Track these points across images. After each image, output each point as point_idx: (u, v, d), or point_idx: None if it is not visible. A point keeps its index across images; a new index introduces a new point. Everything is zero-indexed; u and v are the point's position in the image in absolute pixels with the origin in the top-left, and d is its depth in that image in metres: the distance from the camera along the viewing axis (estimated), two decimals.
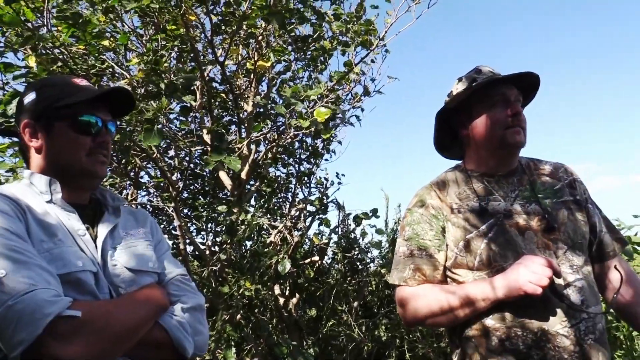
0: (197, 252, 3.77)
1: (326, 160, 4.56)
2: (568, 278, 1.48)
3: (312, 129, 2.95)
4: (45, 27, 2.56)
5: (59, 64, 2.59)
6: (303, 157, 4.51)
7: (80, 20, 2.61)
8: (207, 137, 3.54)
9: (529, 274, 1.37)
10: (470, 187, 1.66)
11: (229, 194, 3.73)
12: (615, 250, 1.68)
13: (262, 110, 3.59)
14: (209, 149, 3.44)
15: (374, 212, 3.99)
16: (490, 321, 1.48)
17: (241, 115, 3.67)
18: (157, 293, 1.28)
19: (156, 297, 1.26)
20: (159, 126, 2.50)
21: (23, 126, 1.28)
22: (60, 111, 1.27)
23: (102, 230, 1.29)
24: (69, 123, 1.27)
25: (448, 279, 1.61)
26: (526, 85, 1.69)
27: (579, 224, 1.58)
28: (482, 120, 1.65)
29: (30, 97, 1.29)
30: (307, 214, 4.13)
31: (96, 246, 1.25)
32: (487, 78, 1.65)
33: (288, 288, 3.93)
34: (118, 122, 2.77)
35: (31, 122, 1.28)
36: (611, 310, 1.51)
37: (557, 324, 1.42)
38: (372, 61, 3.77)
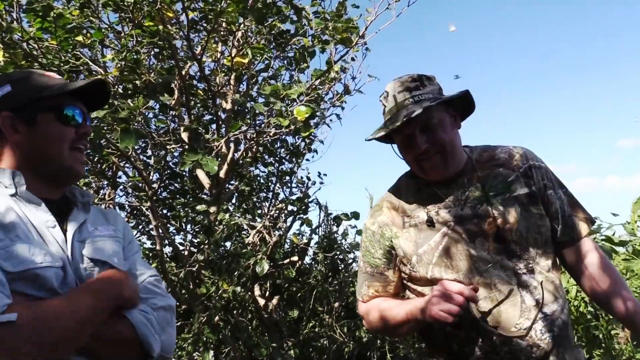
0: (174, 253, 3.71)
1: (307, 160, 4.52)
2: (522, 278, 1.46)
3: (292, 127, 2.92)
4: (15, 21, 2.49)
5: (29, 59, 2.52)
6: (284, 156, 4.47)
7: (53, 15, 2.55)
8: (185, 136, 3.49)
9: (440, 303, 1.36)
10: (418, 197, 1.62)
11: (208, 193, 3.68)
12: (581, 231, 1.62)
13: (240, 108, 3.54)
14: (186, 147, 3.38)
15: (355, 214, 3.96)
16: (448, 327, 1.47)
17: (220, 113, 3.61)
18: (118, 278, 1.22)
19: (115, 282, 1.20)
20: (135, 125, 2.44)
21: (1, 119, 1.23)
22: (43, 102, 1.24)
23: (72, 225, 1.25)
24: (54, 114, 1.25)
25: (408, 291, 1.64)
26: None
27: (533, 219, 1.54)
28: (401, 153, 1.63)
29: (4, 90, 1.25)
30: (288, 213, 4.09)
31: (66, 239, 1.21)
32: (382, 128, 1.59)
33: (268, 289, 3.88)
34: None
35: (10, 115, 1.23)
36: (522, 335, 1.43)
37: (511, 327, 1.42)
38: (352, 59, 3.74)
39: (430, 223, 1.56)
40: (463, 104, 1.63)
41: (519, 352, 1.41)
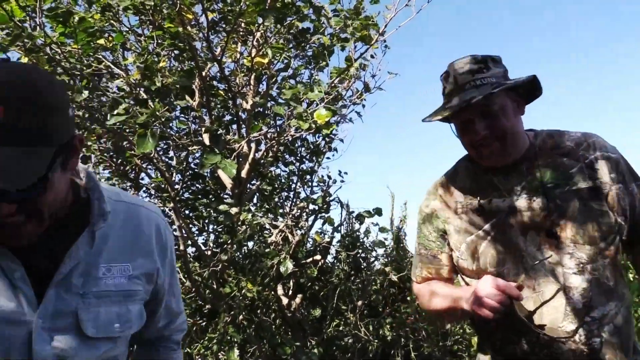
0: (197, 253, 3.74)
1: (328, 158, 4.52)
2: (570, 279, 1.38)
3: (312, 129, 2.92)
4: (38, 27, 2.52)
5: (53, 63, 2.55)
6: (304, 155, 4.47)
7: (76, 19, 2.58)
8: (206, 137, 3.50)
9: (483, 298, 1.34)
10: (474, 183, 1.57)
11: (230, 194, 3.69)
12: None
13: (261, 109, 3.54)
14: (206, 149, 3.40)
15: (377, 211, 3.93)
16: (492, 323, 1.43)
17: (240, 113, 3.62)
18: None
19: None
20: (154, 129, 2.46)
21: None
22: None
23: (67, 262, 1.01)
24: None
25: (460, 277, 1.63)
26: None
27: (593, 216, 1.41)
28: (459, 136, 1.57)
29: None
30: (309, 212, 4.09)
31: (35, 283, 0.98)
32: (442, 109, 1.52)
33: (291, 288, 3.88)
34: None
35: None
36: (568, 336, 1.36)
37: (555, 331, 1.37)
38: (372, 57, 3.71)
39: (482, 211, 1.51)
40: (528, 89, 1.54)
41: (559, 356, 1.36)
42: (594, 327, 1.36)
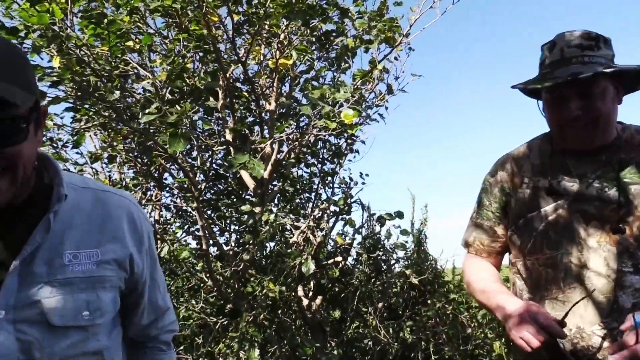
0: (219, 252, 3.77)
1: (350, 160, 4.52)
2: (626, 279, 1.35)
3: (338, 129, 2.94)
4: (69, 28, 2.58)
5: (83, 64, 2.60)
6: (326, 156, 4.48)
7: (106, 21, 2.63)
8: (229, 137, 3.54)
9: (522, 329, 1.28)
10: (546, 162, 1.52)
11: (252, 194, 3.72)
12: None
13: (285, 110, 3.57)
14: (232, 149, 3.43)
15: (399, 214, 3.93)
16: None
17: (263, 115, 3.65)
18: None
19: None
20: (183, 129, 2.50)
21: None
22: None
23: (27, 248, 0.99)
24: None
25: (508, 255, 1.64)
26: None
27: None
28: (546, 112, 1.51)
29: None
30: (331, 214, 4.10)
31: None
32: (542, 78, 1.44)
33: (311, 289, 3.90)
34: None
35: None
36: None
37: (594, 326, 1.36)
38: (396, 59, 3.71)
39: (549, 191, 1.47)
40: (633, 79, 1.47)
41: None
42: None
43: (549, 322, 1.27)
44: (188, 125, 2.60)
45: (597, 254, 1.37)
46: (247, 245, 3.47)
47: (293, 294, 3.70)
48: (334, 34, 3.55)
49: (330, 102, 2.93)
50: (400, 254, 4.59)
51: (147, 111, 2.42)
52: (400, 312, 4.36)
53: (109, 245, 1.08)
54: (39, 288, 0.99)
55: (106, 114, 3.22)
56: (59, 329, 1.00)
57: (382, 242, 4.38)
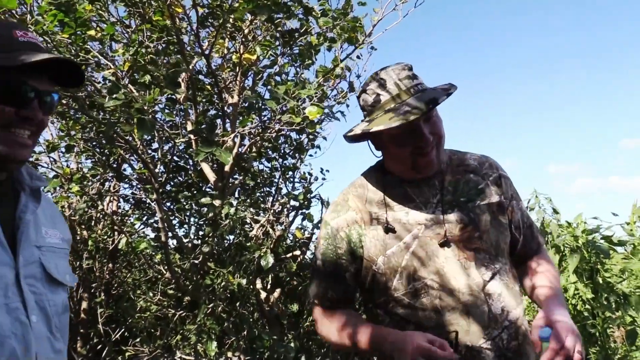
0: (178, 245, 3.77)
1: (310, 155, 4.57)
2: (490, 288, 1.44)
3: (301, 125, 2.98)
4: (29, 14, 2.53)
5: None
6: (287, 151, 4.52)
7: (71, 6, 2.59)
8: (190, 128, 3.53)
9: (416, 354, 1.27)
10: (388, 194, 1.53)
11: (212, 187, 3.73)
12: (541, 243, 1.65)
13: (249, 104, 3.58)
14: (193, 141, 3.43)
15: None
16: None
17: (226, 108, 3.66)
18: None
19: None
20: (149, 117, 2.49)
21: None
22: None
23: (26, 221, 1.10)
24: None
25: (367, 294, 1.56)
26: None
27: (501, 228, 1.52)
28: (392, 148, 1.51)
29: None
30: (290, 208, 4.14)
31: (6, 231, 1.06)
32: (385, 115, 1.43)
33: (269, 282, 3.93)
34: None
35: None
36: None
37: (480, 339, 1.40)
38: (358, 57, 3.78)
39: (400, 223, 1.48)
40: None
41: None
42: (512, 330, 1.44)
43: (442, 343, 1.29)
44: (152, 114, 2.60)
45: (461, 273, 1.44)
46: (207, 238, 3.48)
47: (251, 286, 3.73)
48: (297, 31, 3.59)
49: (295, 99, 2.97)
50: None
51: (114, 96, 2.39)
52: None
53: (60, 227, 1.23)
54: (35, 250, 1.10)
55: (64, 102, 3.17)
56: (56, 285, 1.13)
57: None
